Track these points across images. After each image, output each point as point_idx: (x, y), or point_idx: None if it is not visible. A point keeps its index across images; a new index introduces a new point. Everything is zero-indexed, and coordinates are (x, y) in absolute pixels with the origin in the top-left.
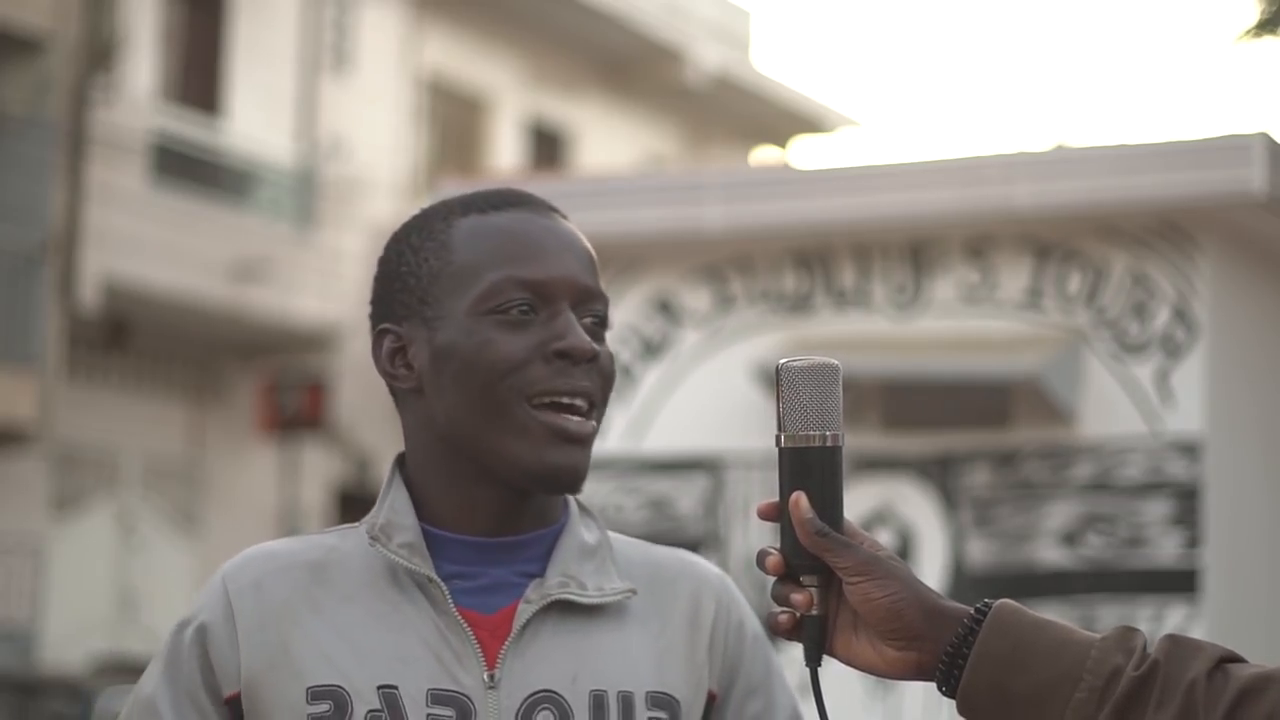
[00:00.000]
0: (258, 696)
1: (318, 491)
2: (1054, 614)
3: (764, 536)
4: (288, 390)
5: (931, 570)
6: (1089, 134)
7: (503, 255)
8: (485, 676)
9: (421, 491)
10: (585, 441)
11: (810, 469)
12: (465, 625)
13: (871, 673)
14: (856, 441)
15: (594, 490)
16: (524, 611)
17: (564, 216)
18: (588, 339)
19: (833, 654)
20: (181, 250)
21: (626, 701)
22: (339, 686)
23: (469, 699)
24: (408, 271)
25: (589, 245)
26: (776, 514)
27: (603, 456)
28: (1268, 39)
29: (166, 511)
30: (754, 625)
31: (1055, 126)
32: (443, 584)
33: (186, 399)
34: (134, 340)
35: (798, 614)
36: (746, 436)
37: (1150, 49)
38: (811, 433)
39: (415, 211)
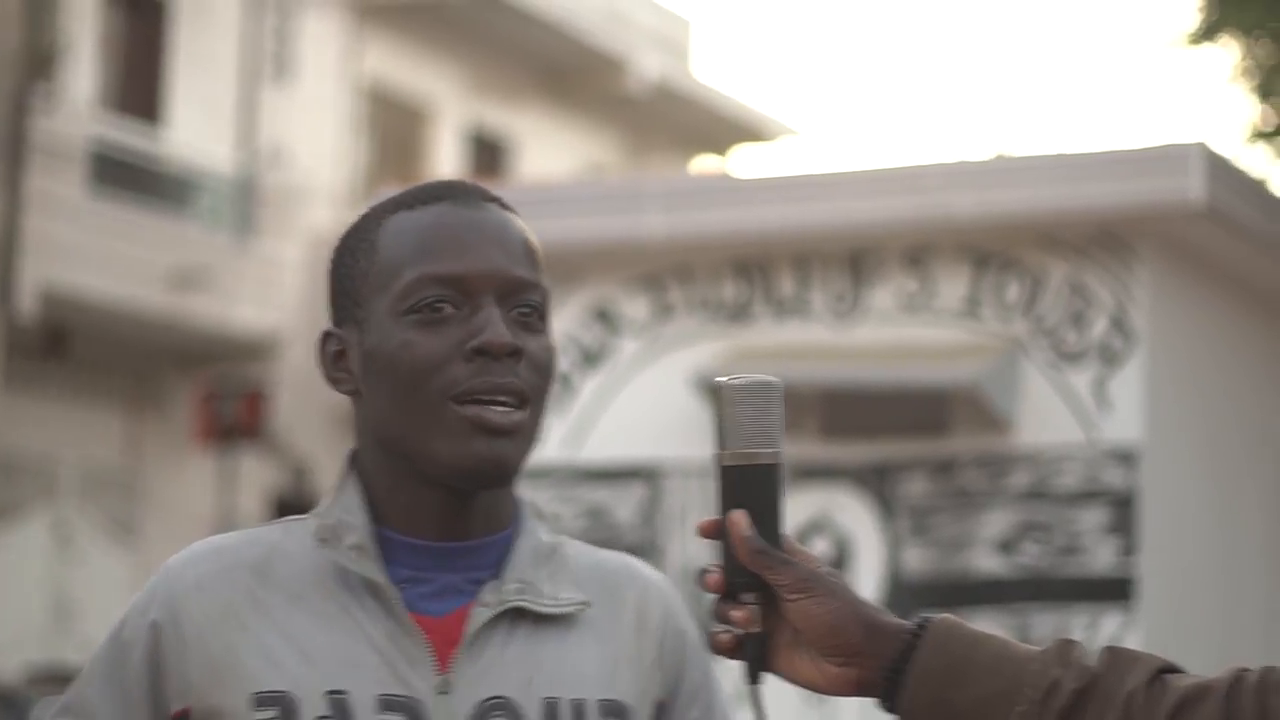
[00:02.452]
0: (203, 703)
1: (256, 500)
2: (990, 622)
3: (703, 545)
4: (226, 399)
5: (869, 578)
6: (1028, 143)
7: (420, 252)
8: (437, 681)
9: (372, 492)
10: (511, 433)
11: (750, 487)
12: (418, 629)
13: (812, 689)
14: (794, 450)
15: (531, 499)
16: (478, 615)
17: (503, 206)
18: (506, 333)
19: (774, 671)
20: (121, 259)
21: (579, 709)
22: (286, 692)
23: (421, 704)
24: (345, 274)
25: (525, 233)
26: (717, 531)
27: (540, 465)
28: (1206, 48)
29: (103, 521)
30: (694, 632)
31: (994, 136)
32: (393, 588)
33: (124, 408)
34: (72, 349)
35: (738, 632)
36: (685, 445)
37: (1089, 58)
38: (751, 450)
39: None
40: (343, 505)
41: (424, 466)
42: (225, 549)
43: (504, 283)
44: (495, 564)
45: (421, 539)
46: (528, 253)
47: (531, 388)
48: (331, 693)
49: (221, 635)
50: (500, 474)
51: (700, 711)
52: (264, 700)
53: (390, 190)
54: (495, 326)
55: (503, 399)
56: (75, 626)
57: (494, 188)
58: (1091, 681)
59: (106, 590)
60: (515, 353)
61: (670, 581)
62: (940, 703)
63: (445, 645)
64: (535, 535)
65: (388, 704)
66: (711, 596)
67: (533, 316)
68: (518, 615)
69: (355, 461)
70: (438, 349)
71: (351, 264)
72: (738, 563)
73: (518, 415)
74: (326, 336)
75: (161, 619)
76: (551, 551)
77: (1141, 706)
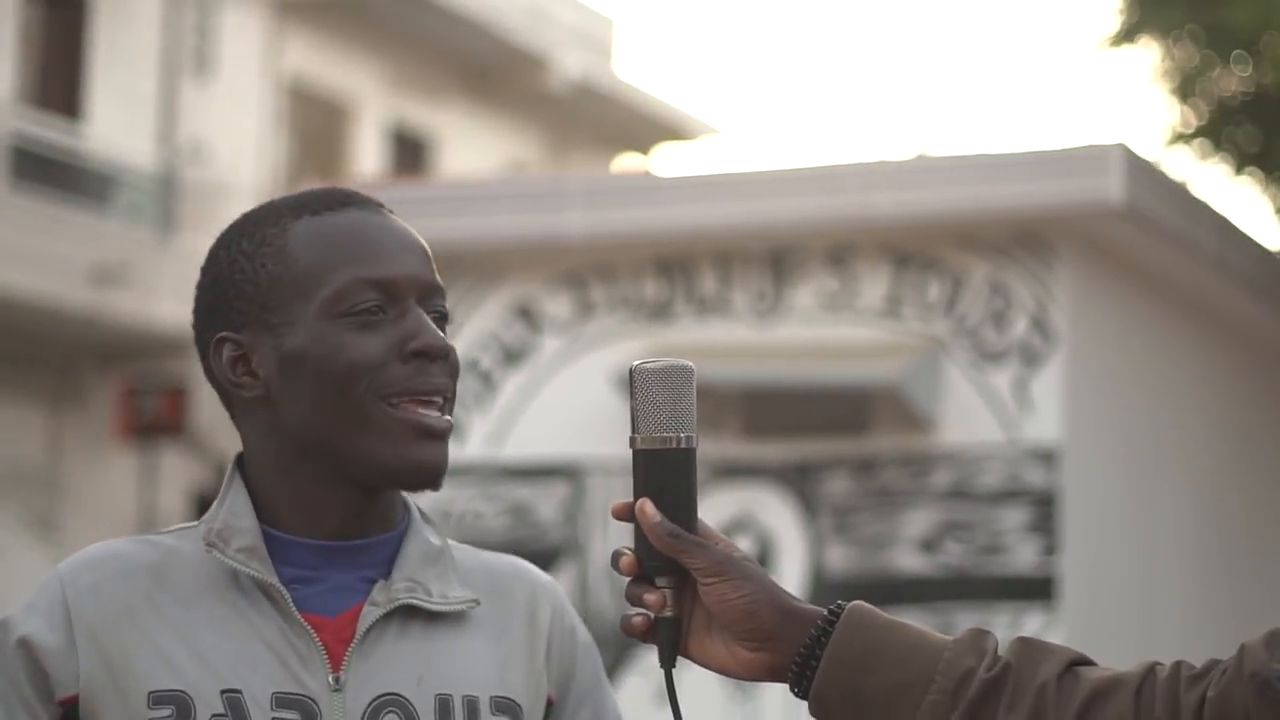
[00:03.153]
0: (97, 702)
1: (177, 497)
2: (912, 620)
3: (625, 542)
4: (147, 395)
5: (791, 577)
6: (948, 143)
7: (347, 256)
8: (330, 679)
9: (263, 495)
10: (446, 436)
11: (664, 470)
12: (309, 628)
13: (725, 674)
14: (717, 448)
15: (454, 497)
16: (369, 614)
17: (391, 211)
18: (442, 336)
19: (687, 655)
20: (40, 254)
21: (471, 706)
22: (181, 691)
23: (314, 702)
24: (243, 279)
25: (422, 239)
26: (630, 514)
27: (463, 463)
28: (1127, 49)
29: (24, 517)
30: (584, 632)
31: (915, 135)
32: (283, 589)
33: (44, 404)
34: None
35: (652, 615)
36: (607, 443)
37: (1010, 59)
38: (665, 434)
39: (233, 219)
40: (229, 509)
41: (354, 467)
42: (122, 554)
43: (424, 287)
44: (385, 563)
45: (312, 539)
46: (429, 259)
47: (453, 392)
48: (226, 691)
49: (116, 636)
50: (436, 476)
51: (590, 712)
52: (160, 699)
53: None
54: (430, 329)
55: (437, 399)
56: None
57: (415, 185)
58: (1004, 671)
59: (27, 586)
60: (447, 355)
61: (590, 580)
62: (851, 689)
63: (338, 644)
64: (423, 536)
65: (282, 701)
66: (626, 579)
67: (442, 321)
68: (409, 614)
69: (240, 465)
70: (374, 351)
71: (251, 268)
72: (651, 546)
73: (448, 420)
74: (222, 341)
75: (53, 619)
76: (439, 553)
77: (1053, 698)
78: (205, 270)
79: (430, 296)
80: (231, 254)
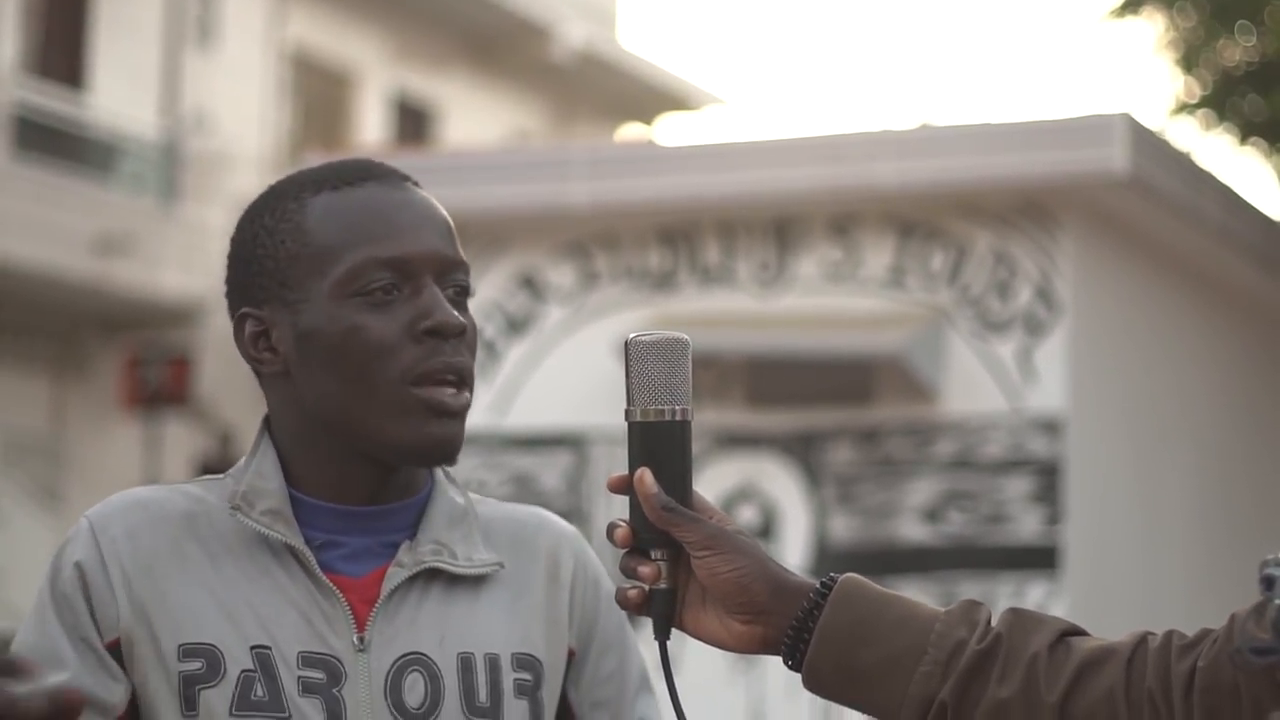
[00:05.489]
0: (132, 646)
1: (181, 466)
2: (916, 590)
3: (627, 511)
4: (151, 365)
5: (795, 547)
6: (953, 113)
7: (361, 234)
8: (355, 639)
9: (289, 460)
10: (461, 414)
11: (659, 443)
12: (335, 589)
13: (719, 647)
14: (720, 418)
15: (457, 466)
16: (394, 575)
17: (416, 184)
18: (455, 314)
19: (681, 628)
20: (44, 224)
21: (493, 663)
22: (212, 645)
23: (339, 661)
24: (264, 254)
25: (445, 213)
26: (625, 487)
27: (466, 432)
28: (1131, 19)
29: (28, 487)
30: (608, 583)
31: (919, 105)
32: (308, 551)
33: (49, 374)
34: None
35: (647, 588)
36: (610, 412)
37: (1015, 28)
38: (660, 407)
39: (263, 189)
40: (256, 470)
41: (371, 447)
42: (151, 501)
43: (440, 263)
44: (410, 527)
45: (338, 504)
46: (452, 233)
47: (471, 369)
48: (256, 647)
49: (149, 584)
50: (451, 454)
51: (616, 663)
52: (190, 651)
53: (315, 161)
54: (444, 307)
55: (453, 379)
56: (0, 593)
57: (418, 155)
58: (995, 642)
59: (31, 557)
60: (462, 332)
61: (582, 536)
62: (843, 661)
63: (362, 605)
64: (448, 497)
65: (309, 660)
66: (621, 551)
67: (462, 295)
68: (432, 575)
69: (269, 427)
70: (388, 332)
71: (272, 244)
72: (646, 519)
73: (465, 396)
74: (244, 317)
75: (91, 563)
76: (464, 513)
77: (1045, 668)
78: (232, 243)
79: (448, 272)
80: (255, 228)
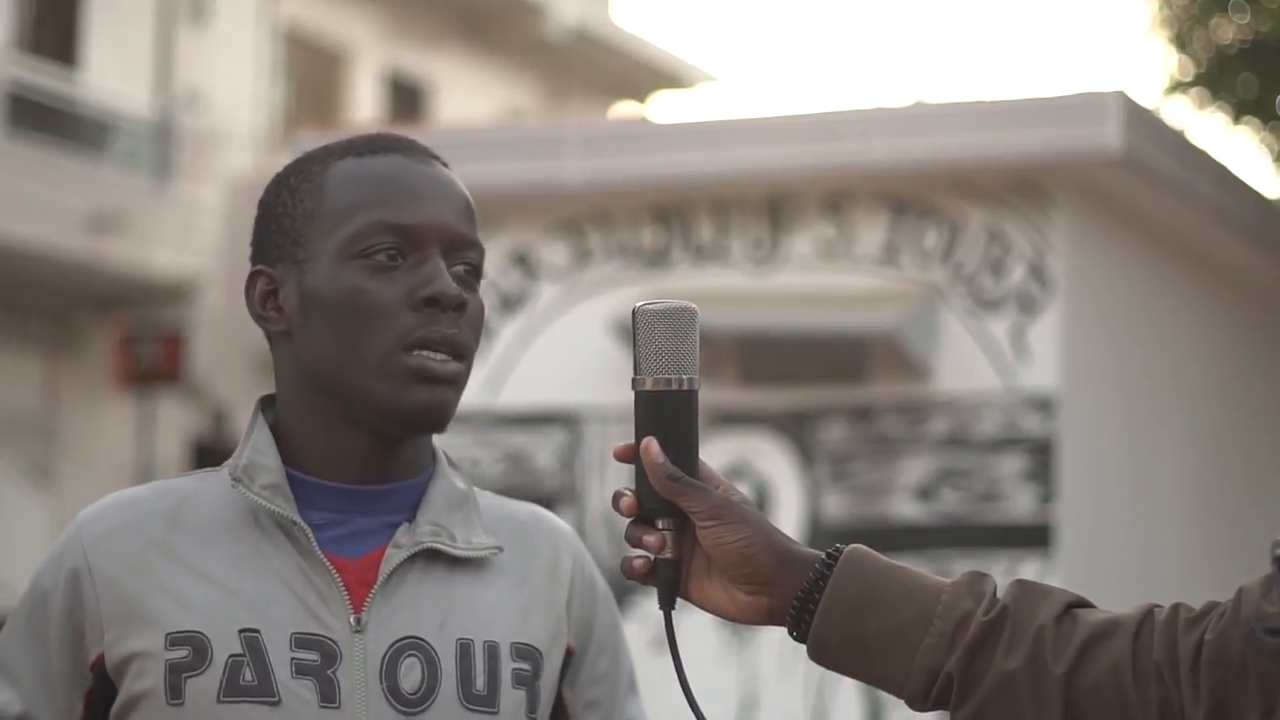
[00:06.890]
0: (116, 649)
1: (174, 445)
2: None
3: (621, 487)
4: (144, 343)
5: (788, 524)
6: (947, 91)
7: (373, 198)
8: (352, 620)
9: (288, 435)
10: (449, 381)
11: (665, 412)
12: (330, 566)
13: (723, 617)
14: (714, 396)
15: (451, 444)
16: (393, 556)
17: (444, 164)
18: (455, 286)
19: (686, 597)
20: (37, 201)
21: (492, 651)
22: (198, 632)
23: (335, 643)
24: (283, 213)
25: (467, 194)
26: (632, 456)
27: (459, 410)
28: None
29: (21, 465)
30: (603, 583)
31: (913, 83)
32: (305, 525)
33: (41, 351)
34: None
35: (651, 557)
36: (604, 390)
37: (1009, 6)
38: (667, 376)
39: (297, 155)
40: (254, 447)
41: (358, 409)
42: (138, 500)
43: (450, 237)
44: (409, 508)
45: (337, 482)
46: (470, 212)
47: (467, 343)
48: (244, 631)
49: (133, 581)
50: (436, 421)
51: (608, 662)
52: (177, 640)
53: (308, 139)
54: (444, 278)
55: (446, 349)
56: None
57: (412, 132)
58: (1001, 614)
59: (24, 534)
60: (461, 306)
61: (587, 528)
62: (849, 633)
63: (360, 586)
64: (448, 481)
65: (302, 642)
66: (626, 520)
67: (472, 274)
68: (431, 558)
69: (265, 406)
70: (387, 296)
71: (292, 203)
72: (652, 488)
73: (454, 365)
74: (257, 274)
75: (77, 566)
76: (464, 498)
77: (1051, 640)
78: (259, 204)
79: (458, 249)
80: (279, 189)
